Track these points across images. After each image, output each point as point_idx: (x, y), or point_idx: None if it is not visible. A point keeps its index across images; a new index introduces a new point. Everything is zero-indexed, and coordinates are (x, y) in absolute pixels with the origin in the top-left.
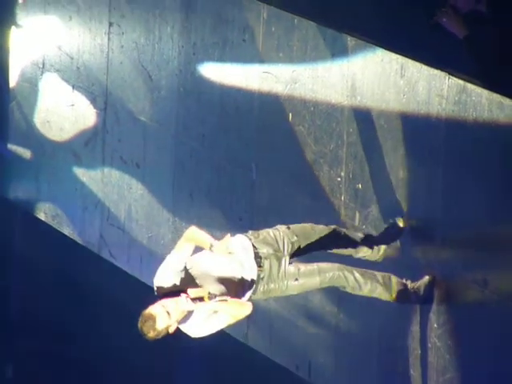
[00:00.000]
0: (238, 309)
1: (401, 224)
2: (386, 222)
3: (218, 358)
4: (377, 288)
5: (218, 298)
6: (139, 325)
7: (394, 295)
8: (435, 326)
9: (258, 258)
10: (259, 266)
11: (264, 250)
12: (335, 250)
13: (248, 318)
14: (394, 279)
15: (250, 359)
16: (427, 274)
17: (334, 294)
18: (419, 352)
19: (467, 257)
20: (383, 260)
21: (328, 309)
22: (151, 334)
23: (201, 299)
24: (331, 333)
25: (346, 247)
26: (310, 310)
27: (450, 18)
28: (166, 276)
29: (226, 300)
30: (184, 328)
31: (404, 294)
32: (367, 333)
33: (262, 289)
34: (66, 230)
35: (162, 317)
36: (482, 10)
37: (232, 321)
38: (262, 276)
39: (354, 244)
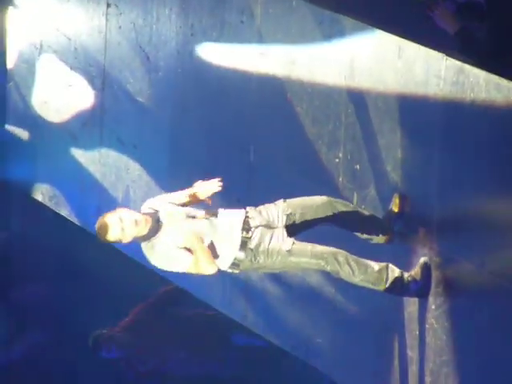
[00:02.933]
0: (205, 259)
1: (396, 202)
2: (384, 202)
3: (214, 337)
4: (371, 276)
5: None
6: (95, 227)
7: (388, 285)
8: (433, 307)
9: (246, 224)
10: (247, 232)
11: (256, 220)
12: (342, 226)
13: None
14: (392, 268)
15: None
16: (423, 256)
17: (331, 276)
18: (416, 333)
19: (464, 238)
20: (384, 244)
21: (325, 288)
22: (103, 240)
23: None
24: (328, 313)
25: (348, 227)
26: (307, 289)
27: (441, 12)
28: (157, 202)
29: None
30: (145, 247)
31: (401, 284)
32: (364, 313)
33: (250, 258)
34: (64, 211)
35: (115, 230)
36: (480, 1)
37: (193, 268)
38: (249, 245)
39: (356, 224)
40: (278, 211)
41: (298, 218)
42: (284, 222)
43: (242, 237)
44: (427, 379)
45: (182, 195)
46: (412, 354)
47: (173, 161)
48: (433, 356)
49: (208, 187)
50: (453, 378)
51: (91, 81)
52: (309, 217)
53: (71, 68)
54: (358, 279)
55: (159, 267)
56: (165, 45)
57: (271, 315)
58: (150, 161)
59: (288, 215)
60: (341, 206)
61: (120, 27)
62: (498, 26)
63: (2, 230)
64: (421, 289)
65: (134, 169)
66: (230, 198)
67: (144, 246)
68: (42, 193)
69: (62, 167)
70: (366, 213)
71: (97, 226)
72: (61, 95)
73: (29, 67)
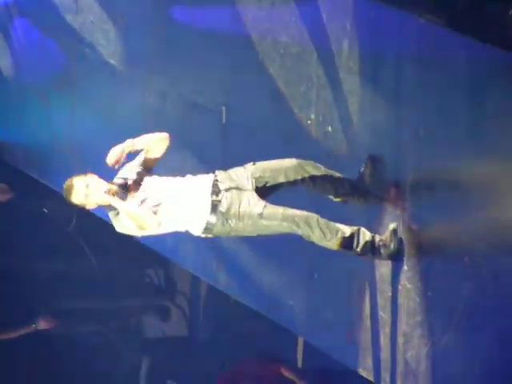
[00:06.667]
0: (143, 220)
1: (369, 164)
2: (357, 164)
3: (189, 300)
4: (343, 240)
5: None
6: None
7: (360, 248)
8: (405, 268)
9: (216, 187)
10: (216, 195)
11: (226, 183)
12: (313, 188)
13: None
14: (363, 232)
15: (221, 302)
16: (391, 222)
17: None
18: (389, 294)
19: (436, 199)
20: (357, 205)
21: (298, 250)
22: (68, 201)
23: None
24: (301, 275)
25: (319, 189)
26: (281, 250)
27: None
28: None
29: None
30: (111, 216)
31: (372, 247)
32: (337, 274)
33: (221, 221)
34: (35, 174)
35: (78, 194)
36: None
37: (140, 230)
38: (219, 208)
39: (327, 186)
40: (247, 174)
41: (267, 181)
42: (253, 185)
43: (212, 200)
44: (400, 340)
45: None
46: (385, 315)
47: (144, 124)
48: (406, 317)
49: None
50: (426, 339)
51: (64, 44)
52: (278, 179)
53: (44, 31)
54: (329, 243)
55: (123, 232)
56: (138, 4)
57: (244, 277)
58: (121, 124)
59: (257, 178)
60: (311, 169)
61: None
62: None
63: None
64: (391, 253)
65: (107, 132)
66: (203, 159)
67: (111, 214)
68: (13, 154)
69: (35, 129)
70: (337, 175)
71: (64, 185)
72: (33, 58)
73: (1, 31)
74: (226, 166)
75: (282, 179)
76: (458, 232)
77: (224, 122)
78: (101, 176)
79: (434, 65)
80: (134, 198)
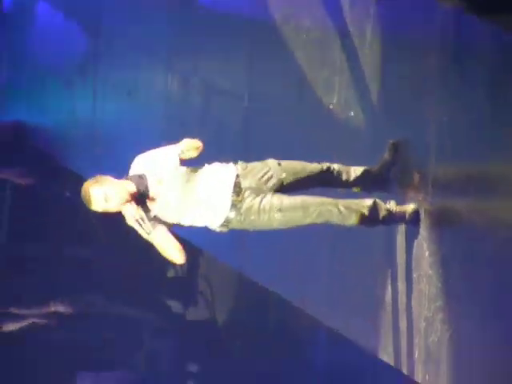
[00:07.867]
0: (169, 252)
1: (391, 149)
2: (379, 149)
3: (213, 286)
4: (362, 217)
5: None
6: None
7: (381, 219)
8: (427, 254)
9: (237, 187)
10: (237, 195)
11: (247, 182)
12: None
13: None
14: (379, 205)
15: (247, 290)
16: (413, 203)
17: (328, 228)
18: (411, 280)
19: (459, 185)
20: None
21: (321, 237)
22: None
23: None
24: (325, 261)
25: (336, 187)
26: (304, 237)
27: None
28: (146, 162)
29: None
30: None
31: (390, 217)
32: (360, 262)
33: (238, 218)
34: (58, 157)
35: (97, 204)
36: None
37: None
38: (239, 206)
39: (345, 185)
40: (271, 173)
41: (289, 182)
42: (275, 186)
43: (233, 200)
44: (422, 325)
45: (172, 152)
46: (407, 300)
47: (167, 109)
48: (427, 303)
49: (195, 146)
50: (448, 324)
51: (87, 26)
52: (300, 182)
53: (67, 14)
54: (350, 222)
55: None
56: None
57: (268, 264)
58: (144, 108)
59: (280, 179)
60: (331, 170)
61: None
62: None
63: None
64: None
65: (128, 116)
66: (225, 144)
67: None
68: (35, 137)
69: (57, 113)
70: (356, 173)
71: (82, 193)
72: (56, 42)
73: (23, 13)
74: (247, 151)
75: (302, 182)
76: (482, 217)
77: (246, 105)
78: (116, 176)
79: (459, 52)
80: (153, 204)
